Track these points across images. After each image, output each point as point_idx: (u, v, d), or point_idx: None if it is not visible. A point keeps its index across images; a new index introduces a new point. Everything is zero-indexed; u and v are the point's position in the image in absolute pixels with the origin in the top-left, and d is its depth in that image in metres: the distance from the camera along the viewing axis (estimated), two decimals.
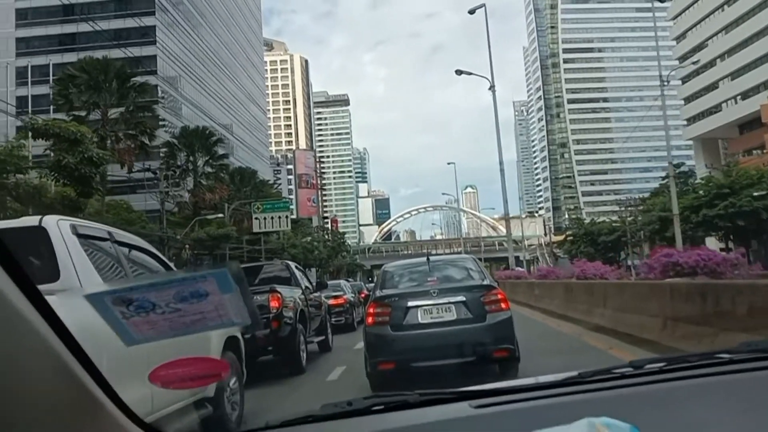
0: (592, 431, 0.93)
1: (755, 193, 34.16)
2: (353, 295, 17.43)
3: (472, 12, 27.20)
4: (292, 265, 10.78)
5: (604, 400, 1.21)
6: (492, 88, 25.16)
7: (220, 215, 33.58)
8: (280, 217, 36.50)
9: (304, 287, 10.05)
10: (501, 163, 26.64)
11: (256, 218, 36.13)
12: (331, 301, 14.86)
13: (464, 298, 6.28)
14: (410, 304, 6.18)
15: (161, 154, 38.66)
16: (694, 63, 63.71)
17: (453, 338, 5.96)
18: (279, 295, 8.08)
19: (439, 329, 6.08)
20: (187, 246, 30.99)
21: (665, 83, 28.19)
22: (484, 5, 26.69)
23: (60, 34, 58.84)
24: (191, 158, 38.34)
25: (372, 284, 11.36)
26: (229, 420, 4.82)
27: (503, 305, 6.37)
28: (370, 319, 6.40)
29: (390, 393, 1.33)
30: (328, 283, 19.60)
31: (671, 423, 1.10)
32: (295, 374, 8.18)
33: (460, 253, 52.91)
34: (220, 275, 0.94)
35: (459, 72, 26.44)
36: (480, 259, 8.65)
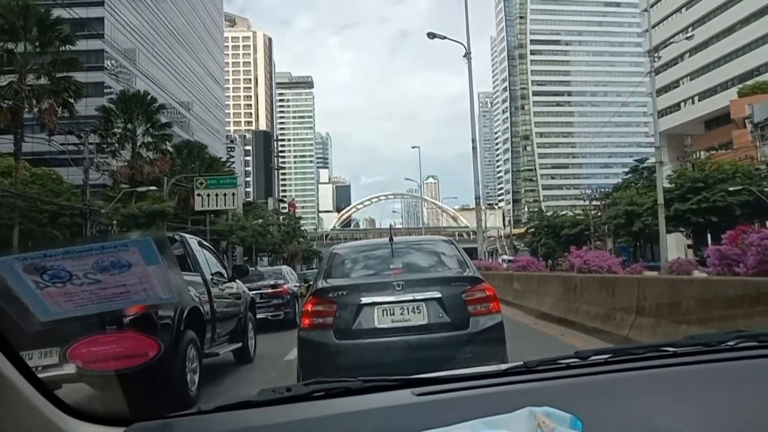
0: (533, 420, 0.96)
1: (730, 188, 32.73)
2: (297, 285, 14.81)
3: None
4: (192, 240, 7.51)
5: (548, 389, 1.20)
6: (467, 54, 22.69)
7: (153, 188, 30.01)
8: (226, 195, 33.10)
9: (210, 274, 7.13)
10: (474, 140, 24.21)
11: (199, 195, 32.60)
12: (269, 291, 12.88)
13: (439, 294, 4.56)
14: (364, 300, 4.52)
15: (97, 121, 34.98)
16: (657, 59, 62.87)
17: (422, 352, 4.33)
18: None
19: (402, 338, 4.44)
20: (114, 222, 27.46)
21: (652, 67, 25.92)
22: None
23: None
24: (128, 126, 34.59)
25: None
26: (188, 393, 5.30)
27: (492, 306, 4.68)
28: (306, 320, 4.64)
29: (332, 379, 1.29)
30: (269, 269, 17.76)
31: (614, 414, 1.11)
32: (181, 407, 4.96)
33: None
34: (143, 244, 0.87)
35: (432, 35, 23.80)
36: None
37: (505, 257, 59.02)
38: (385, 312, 4.50)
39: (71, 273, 0.85)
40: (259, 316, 10.26)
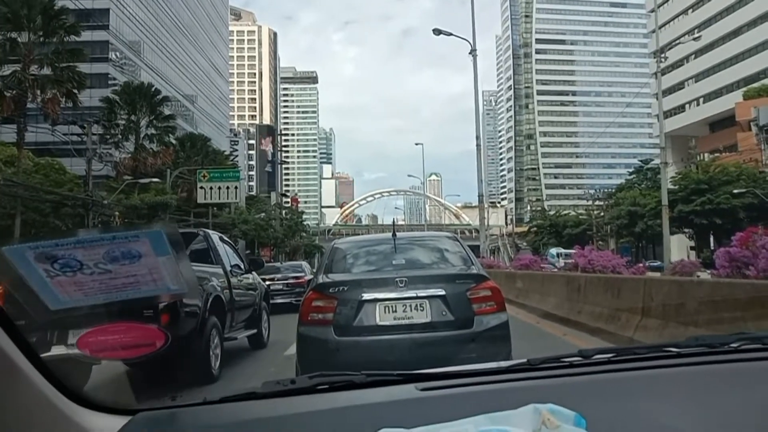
0: (538, 417, 0.96)
1: (734, 191, 32.55)
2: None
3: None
4: (214, 235, 8.21)
5: (552, 387, 1.21)
6: (473, 52, 22.52)
7: (155, 179, 29.94)
8: (228, 188, 33.00)
9: (230, 266, 7.75)
10: (478, 138, 24.03)
11: (201, 187, 32.51)
12: (292, 281, 15.33)
13: (443, 292, 4.44)
14: (365, 296, 4.39)
15: (101, 112, 34.92)
16: (664, 59, 62.69)
17: (424, 350, 4.23)
18: None
19: (404, 336, 4.33)
20: (117, 213, 27.39)
21: (658, 67, 25.75)
22: None
23: None
24: (132, 117, 34.48)
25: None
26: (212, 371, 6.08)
27: (498, 304, 4.55)
28: (305, 316, 4.50)
29: (336, 372, 1.29)
30: (288, 264, 20.33)
31: (616, 412, 1.12)
32: (202, 384, 5.84)
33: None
34: (154, 236, 0.89)
35: (437, 32, 23.61)
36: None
37: (555, 251, 46.34)
38: (387, 309, 4.39)
39: (82, 262, 0.85)
40: (285, 300, 13.38)
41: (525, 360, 1.33)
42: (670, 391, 1.18)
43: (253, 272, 9.08)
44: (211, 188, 32.95)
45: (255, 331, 8.29)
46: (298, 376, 1.31)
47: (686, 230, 39.76)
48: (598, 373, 1.27)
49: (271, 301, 10.37)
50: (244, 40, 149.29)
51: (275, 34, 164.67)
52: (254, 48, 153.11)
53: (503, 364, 1.36)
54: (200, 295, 6.17)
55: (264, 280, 10.86)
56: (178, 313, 5.66)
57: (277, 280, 15.05)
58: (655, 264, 32.56)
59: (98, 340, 1.05)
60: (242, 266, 8.52)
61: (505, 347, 4.47)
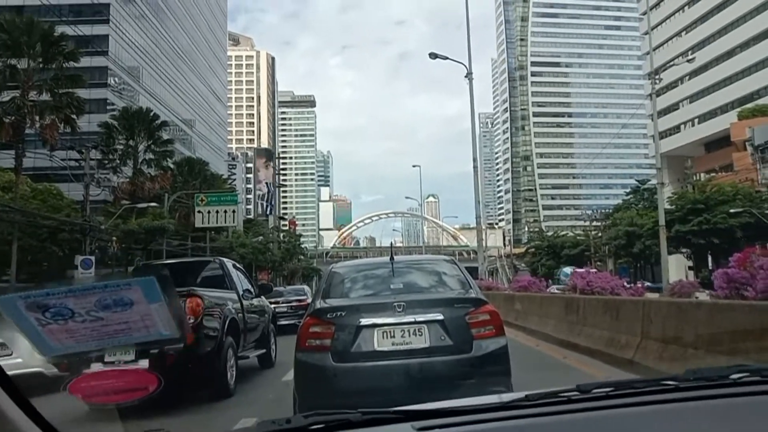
0: None
1: (731, 210, 32.62)
2: None
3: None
4: (228, 263, 8.95)
5: (550, 423, 1.21)
6: (469, 75, 22.72)
7: (153, 204, 29.90)
8: (226, 212, 32.95)
9: (242, 291, 8.42)
10: (475, 160, 24.15)
11: (199, 211, 32.49)
12: (295, 303, 16.39)
13: (441, 317, 4.40)
14: (364, 321, 4.35)
15: (99, 137, 35.04)
16: (659, 81, 63.31)
17: (423, 377, 4.20)
18: (199, 300, 6.44)
19: (403, 361, 4.29)
20: (114, 239, 27.30)
21: (653, 90, 26.00)
22: None
23: (5, 6, 54.87)
24: (130, 142, 34.59)
25: None
26: (228, 386, 6.76)
27: (496, 328, 4.52)
28: (303, 342, 4.45)
29: (331, 411, 1.27)
30: (291, 288, 21.62)
31: None
32: (220, 398, 6.63)
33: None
34: (146, 283, 0.91)
35: (433, 55, 23.86)
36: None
37: (569, 270, 40.82)
38: (385, 334, 4.34)
39: (73, 311, 0.87)
40: (289, 322, 13.77)
41: (523, 395, 1.32)
42: (668, 427, 1.17)
43: (262, 296, 9.69)
44: (209, 212, 32.94)
45: (264, 350, 8.81)
46: (294, 416, 1.29)
47: (684, 250, 39.72)
48: (597, 409, 1.26)
49: (277, 323, 10.97)
50: (242, 65, 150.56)
51: (273, 58, 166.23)
52: (252, 73, 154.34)
53: (501, 398, 1.36)
54: (219, 318, 6.89)
55: (269, 303, 11.59)
56: (201, 334, 6.37)
57: (282, 303, 16.16)
58: (653, 285, 32.31)
59: (90, 385, 1.07)
60: (252, 291, 9.13)
61: (504, 372, 4.43)
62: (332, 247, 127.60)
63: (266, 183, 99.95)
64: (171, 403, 5.69)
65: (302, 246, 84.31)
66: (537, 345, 9.89)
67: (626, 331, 6.87)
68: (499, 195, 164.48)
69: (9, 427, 0.88)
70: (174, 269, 8.34)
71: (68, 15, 45.41)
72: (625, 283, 13.15)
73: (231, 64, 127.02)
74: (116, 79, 56.52)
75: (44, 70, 25.50)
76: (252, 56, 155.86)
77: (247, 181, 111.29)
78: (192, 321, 6.16)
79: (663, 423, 1.19)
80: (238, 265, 9.61)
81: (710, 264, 37.32)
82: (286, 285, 31.59)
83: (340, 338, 4.32)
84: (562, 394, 1.32)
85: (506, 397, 1.36)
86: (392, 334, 4.34)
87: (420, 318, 4.37)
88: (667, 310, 6.27)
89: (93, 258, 23.24)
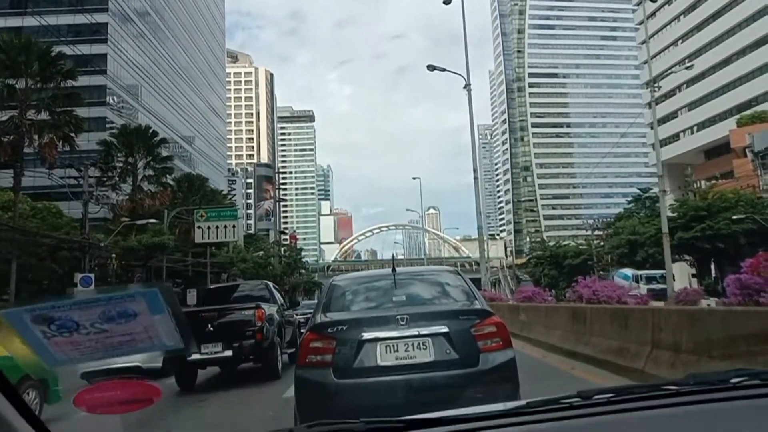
0: None
1: (734, 217, 32.47)
2: None
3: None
4: (271, 284, 11.89)
5: (552, 430, 1.21)
6: (467, 86, 22.70)
7: (153, 220, 29.77)
8: (226, 227, 32.82)
9: (280, 304, 11.07)
10: (475, 171, 24.06)
11: (199, 227, 32.35)
12: (309, 315, 18.31)
13: (446, 329, 4.25)
14: (366, 336, 4.20)
15: (98, 155, 35.04)
16: (657, 89, 63.54)
17: (428, 392, 4.00)
18: (263, 311, 9.39)
19: (408, 376, 4.11)
20: (114, 256, 27.14)
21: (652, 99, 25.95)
22: None
23: (4, 27, 55.16)
24: (130, 159, 34.55)
25: None
26: (279, 373, 9.52)
27: (503, 340, 4.36)
28: (303, 358, 4.30)
29: (334, 421, 1.27)
30: (307, 302, 24.24)
31: None
32: (272, 379, 9.20)
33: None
34: (150, 295, 0.92)
35: (431, 68, 23.87)
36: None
37: (630, 273, 38.40)
38: (388, 348, 4.19)
39: (78, 323, 0.88)
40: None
41: (524, 402, 1.31)
42: (669, 430, 1.17)
43: (291, 309, 12.63)
44: (208, 228, 32.80)
45: (294, 350, 10.76)
46: (296, 426, 1.29)
47: (687, 258, 39.49)
48: (597, 415, 1.26)
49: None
50: (241, 81, 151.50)
51: (272, 74, 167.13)
52: (251, 89, 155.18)
53: (502, 406, 1.34)
54: (273, 324, 9.64)
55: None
56: (264, 334, 9.21)
57: (298, 314, 18.17)
58: (657, 288, 31.24)
59: (94, 397, 1.04)
60: (285, 305, 11.80)
61: (512, 385, 4.27)
62: (333, 261, 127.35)
63: (271, 202, 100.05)
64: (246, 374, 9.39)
65: (303, 260, 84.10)
66: (544, 356, 9.71)
67: (636, 341, 6.67)
68: (500, 206, 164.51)
69: (4, 428, 0.88)
70: (234, 289, 12.40)
71: (67, 35, 45.75)
72: (630, 293, 12.89)
73: (230, 81, 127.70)
74: (115, 97, 56.70)
75: (42, 89, 25.51)
76: (251, 72, 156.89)
77: (248, 196, 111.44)
78: (259, 324, 9.17)
79: (664, 428, 1.19)
80: (275, 285, 12.44)
81: (713, 271, 37.08)
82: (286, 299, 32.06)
83: (342, 353, 4.17)
84: (564, 401, 1.32)
85: (508, 404, 1.35)
86: (395, 348, 4.19)
87: (424, 331, 4.22)
88: (678, 318, 6.09)
89: (92, 275, 23.07)
